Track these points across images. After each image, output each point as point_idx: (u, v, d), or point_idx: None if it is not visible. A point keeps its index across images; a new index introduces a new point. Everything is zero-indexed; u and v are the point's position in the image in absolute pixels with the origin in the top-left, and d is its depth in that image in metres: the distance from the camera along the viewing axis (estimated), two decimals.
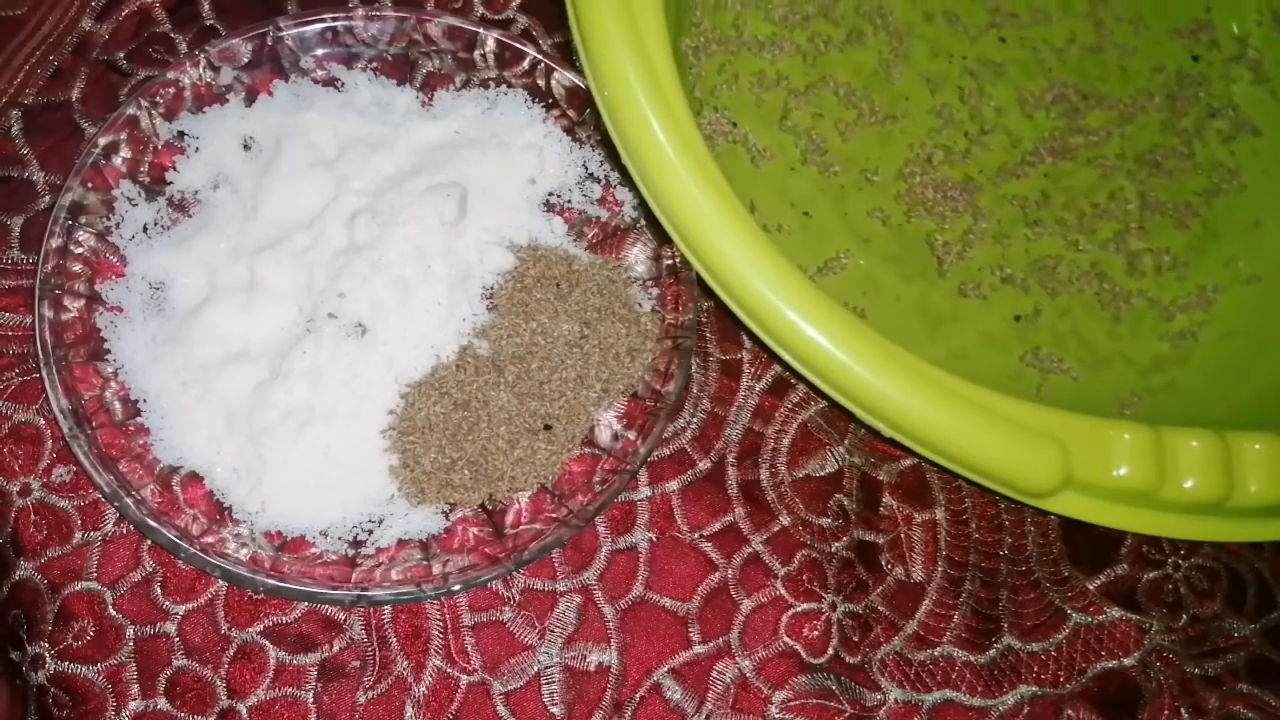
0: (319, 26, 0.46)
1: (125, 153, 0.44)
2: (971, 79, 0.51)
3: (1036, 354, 0.47)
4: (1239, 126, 0.53)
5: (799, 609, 0.43)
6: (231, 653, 0.41)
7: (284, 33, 0.46)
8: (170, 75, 0.45)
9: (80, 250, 0.43)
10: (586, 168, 0.47)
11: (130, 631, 0.41)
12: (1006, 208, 0.50)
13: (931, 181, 0.49)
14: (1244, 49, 0.54)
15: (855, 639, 0.43)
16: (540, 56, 0.46)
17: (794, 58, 0.50)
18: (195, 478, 0.41)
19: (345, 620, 0.42)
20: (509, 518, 0.42)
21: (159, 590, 0.41)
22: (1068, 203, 0.50)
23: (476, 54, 0.47)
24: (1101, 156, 0.51)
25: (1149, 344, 0.49)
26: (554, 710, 0.41)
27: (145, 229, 0.44)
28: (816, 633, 0.43)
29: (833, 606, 0.43)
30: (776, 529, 0.44)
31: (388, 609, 0.42)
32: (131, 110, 0.44)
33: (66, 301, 0.42)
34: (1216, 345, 0.49)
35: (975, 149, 0.50)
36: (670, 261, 0.44)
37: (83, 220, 0.43)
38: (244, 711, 0.40)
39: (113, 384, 0.42)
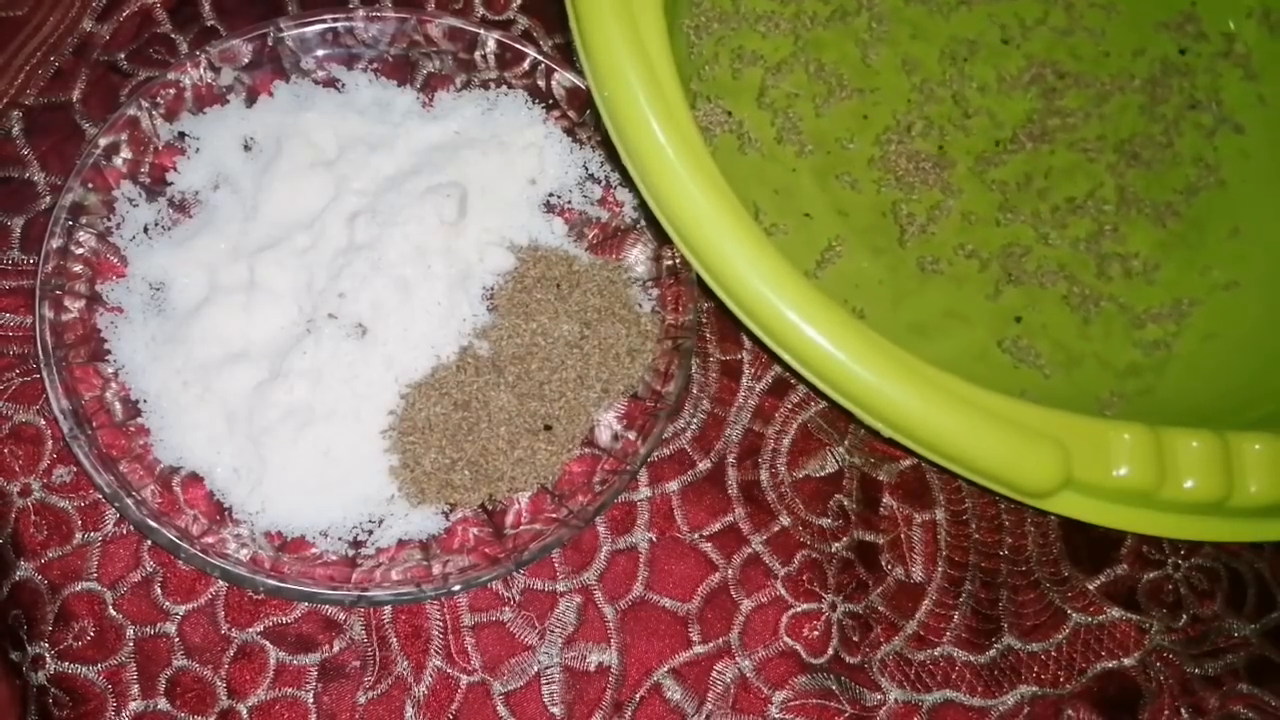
0: (319, 27, 0.46)
1: (126, 153, 0.44)
2: (952, 63, 0.51)
3: (1016, 343, 0.47)
4: (1220, 121, 0.53)
5: (799, 609, 0.43)
6: (231, 653, 0.41)
7: (284, 33, 0.46)
8: (171, 76, 0.45)
9: (81, 251, 0.43)
10: (586, 168, 0.47)
11: (130, 632, 0.41)
12: (980, 188, 0.50)
13: (906, 151, 0.49)
14: (1231, 44, 0.54)
15: (855, 639, 0.43)
16: (540, 57, 0.46)
17: (787, 36, 0.51)
18: (195, 478, 0.41)
19: (345, 620, 0.42)
20: (509, 518, 0.42)
21: (159, 590, 0.41)
22: (1044, 190, 0.50)
23: (477, 55, 0.47)
24: (1082, 140, 0.51)
25: (1122, 350, 0.48)
26: (554, 710, 0.41)
27: (145, 229, 0.44)
28: (816, 633, 0.43)
29: (833, 606, 0.43)
30: (776, 529, 0.44)
31: (388, 609, 0.42)
32: (132, 111, 0.44)
33: (67, 302, 0.42)
34: (1196, 348, 0.48)
35: (955, 130, 0.50)
36: (670, 262, 0.44)
37: (83, 221, 0.43)
38: (244, 711, 0.40)
39: (113, 384, 0.42)
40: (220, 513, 0.41)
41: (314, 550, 0.40)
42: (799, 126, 0.49)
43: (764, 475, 0.45)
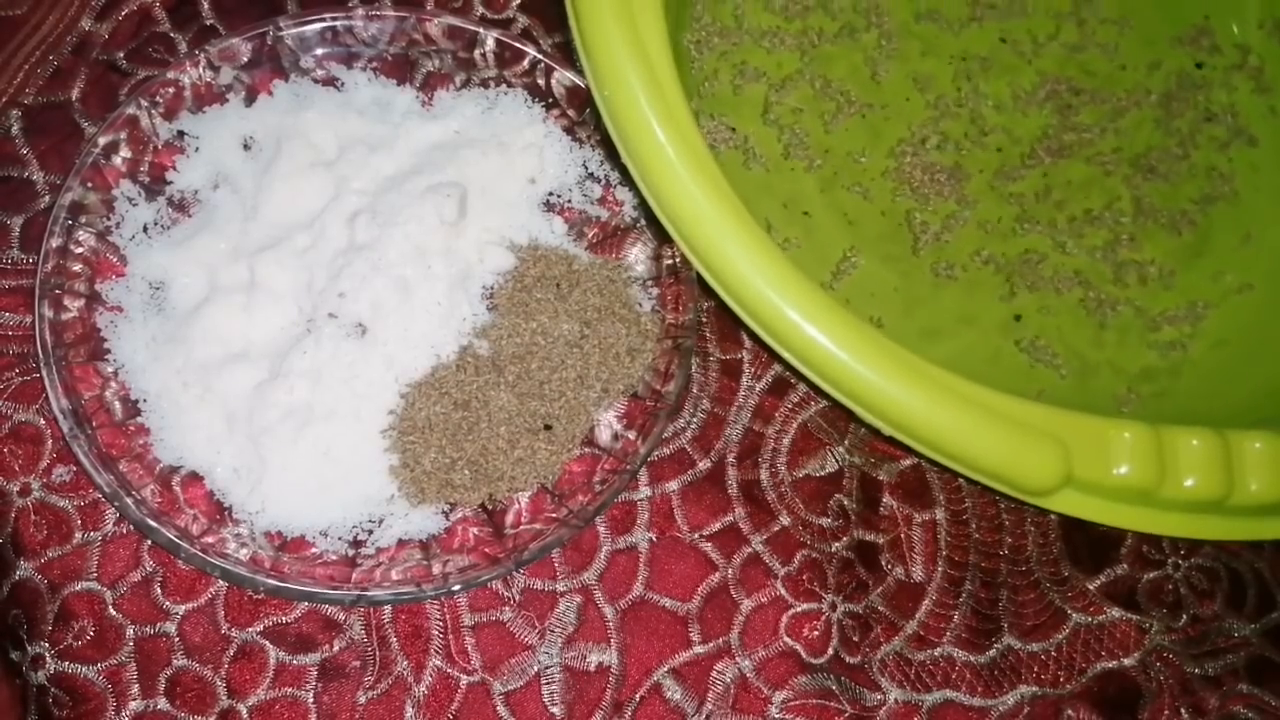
0: (319, 26, 0.46)
1: (125, 152, 0.44)
2: (967, 81, 0.51)
3: (1034, 343, 0.47)
4: (1235, 134, 0.53)
5: (799, 609, 0.43)
6: (231, 653, 0.41)
7: (284, 32, 0.46)
8: (170, 75, 0.45)
9: (80, 250, 0.43)
10: (586, 168, 0.47)
11: (130, 631, 0.41)
12: (997, 200, 0.50)
13: (921, 163, 0.49)
14: (1245, 57, 0.54)
15: (855, 639, 0.43)
16: (540, 56, 0.46)
17: (793, 52, 0.51)
18: (195, 478, 0.41)
19: (345, 620, 0.42)
20: (509, 518, 0.42)
21: (159, 590, 0.41)
22: (1061, 201, 0.50)
23: (476, 54, 0.47)
24: (1099, 154, 0.51)
25: (1138, 353, 0.48)
26: (554, 710, 0.41)
27: (145, 229, 0.44)
28: (816, 633, 0.43)
29: (833, 606, 0.43)
30: (776, 529, 0.44)
31: (388, 609, 0.42)
32: (131, 110, 0.44)
33: (66, 301, 0.42)
34: (1210, 353, 0.48)
35: (971, 146, 0.50)
36: (670, 261, 0.44)
37: (83, 220, 0.43)
38: (244, 711, 0.40)
39: (113, 384, 0.42)
40: (220, 512, 0.41)
41: (314, 550, 0.40)
42: (806, 141, 0.49)
43: (764, 475, 0.45)
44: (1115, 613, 0.45)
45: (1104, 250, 0.49)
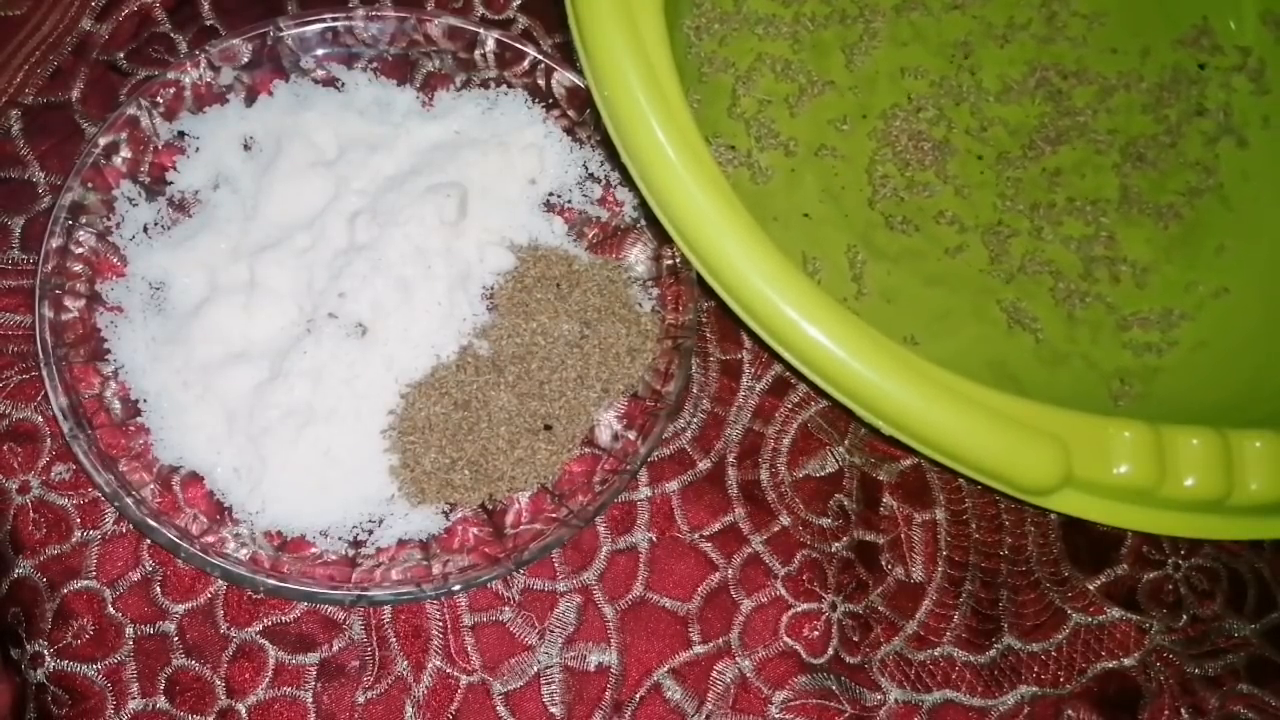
0: (319, 26, 0.46)
1: (125, 153, 0.44)
2: (970, 75, 0.51)
3: (1015, 305, 0.47)
4: (1224, 131, 0.52)
5: (799, 609, 0.43)
6: (231, 652, 0.41)
7: (284, 33, 0.46)
8: (170, 75, 0.45)
9: (80, 250, 0.43)
10: (586, 168, 0.47)
11: (130, 630, 0.41)
12: (988, 178, 0.49)
13: (909, 130, 0.49)
14: (1245, 59, 0.53)
15: (855, 639, 0.43)
16: (540, 56, 0.46)
17: (787, 40, 0.51)
18: (195, 478, 0.41)
19: (345, 620, 0.42)
20: (509, 518, 0.42)
21: (158, 589, 0.41)
22: (1051, 184, 0.50)
23: (477, 54, 0.47)
24: (1093, 132, 0.51)
25: (1112, 353, 0.48)
26: (554, 710, 0.41)
27: (145, 229, 0.44)
28: (816, 633, 0.43)
29: (833, 606, 0.43)
30: (776, 529, 0.44)
31: (388, 609, 0.42)
32: (131, 110, 0.44)
33: (67, 301, 0.42)
34: (1187, 357, 0.48)
35: (971, 140, 0.50)
36: (670, 261, 0.44)
37: (83, 220, 0.43)
38: (243, 711, 0.40)
39: (113, 384, 0.42)
40: (220, 512, 0.41)
41: (314, 550, 0.40)
42: (775, 129, 0.49)
43: (764, 475, 0.45)
44: (1115, 613, 0.45)
45: (1079, 242, 0.49)
